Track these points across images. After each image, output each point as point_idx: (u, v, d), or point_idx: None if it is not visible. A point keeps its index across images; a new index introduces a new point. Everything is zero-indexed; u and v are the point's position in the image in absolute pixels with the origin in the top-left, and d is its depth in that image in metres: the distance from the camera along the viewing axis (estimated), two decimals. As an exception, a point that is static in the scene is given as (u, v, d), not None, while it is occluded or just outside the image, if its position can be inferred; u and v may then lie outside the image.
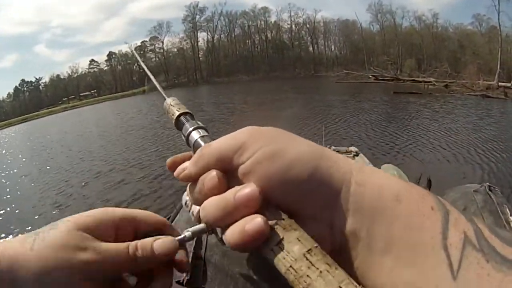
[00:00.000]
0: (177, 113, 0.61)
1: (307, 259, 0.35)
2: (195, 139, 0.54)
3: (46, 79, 79.17)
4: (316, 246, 0.36)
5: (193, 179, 0.46)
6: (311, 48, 72.52)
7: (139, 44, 78.06)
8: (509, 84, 23.20)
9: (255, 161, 0.41)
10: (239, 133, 0.44)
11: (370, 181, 0.39)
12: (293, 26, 73.78)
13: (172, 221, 0.86)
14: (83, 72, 79.08)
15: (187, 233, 0.48)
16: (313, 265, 0.35)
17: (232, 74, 69.03)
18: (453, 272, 0.33)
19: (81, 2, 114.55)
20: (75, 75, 78.38)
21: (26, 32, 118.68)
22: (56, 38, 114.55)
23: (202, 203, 0.44)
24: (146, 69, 0.89)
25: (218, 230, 0.49)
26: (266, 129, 0.45)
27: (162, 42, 75.86)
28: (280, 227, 0.38)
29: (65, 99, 73.43)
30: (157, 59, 75.74)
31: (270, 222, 0.39)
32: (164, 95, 0.68)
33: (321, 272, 0.34)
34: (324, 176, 0.39)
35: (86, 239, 0.43)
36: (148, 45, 77.05)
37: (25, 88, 76.99)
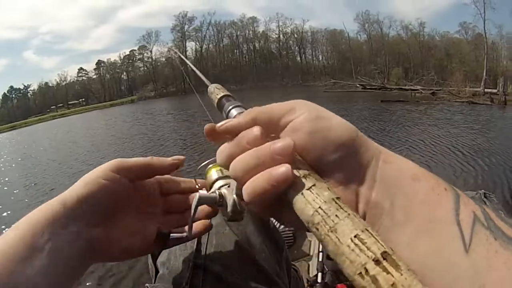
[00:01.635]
0: (220, 95, 0.67)
1: (336, 202, 0.37)
2: (234, 114, 0.58)
3: (34, 86, 79.01)
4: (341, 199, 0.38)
5: (234, 132, 0.47)
6: (298, 58, 73.20)
7: (127, 53, 78.11)
8: (495, 90, 23.41)
9: (302, 119, 0.43)
10: (287, 101, 0.47)
11: (394, 160, 0.42)
12: (281, 35, 74.39)
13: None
14: (71, 80, 78.93)
15: (200, 192, 0.59)
16: (341, 208, 0.36)
17: (220, 84, 68.50)
18: (465, 246, 0.34)
19: (72, 8, 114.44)
20: (64, 83, 78.11)
21: (15, 37, 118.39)
22: (45, 44, 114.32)
23: (231, 161, 0.45)
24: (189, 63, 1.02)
25: (229, 201, 0.54)
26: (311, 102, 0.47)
27: (151, 51, 75.87)
28: (312, 177, 0.40)
29: (53, 107, 73.05)
30: (145, 68, 75.68)
31: (303, 172, 0.40)
32: (207, 82, 0.80)
33: (349, 214, 0.35)
34: (360, 146, 0.42)
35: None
36: (136, 54, 77.04)
37: (14, 95, 76.60)
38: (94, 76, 78.96)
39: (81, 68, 79.74)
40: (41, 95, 76.86)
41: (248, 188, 0.42)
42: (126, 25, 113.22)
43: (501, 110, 18.08)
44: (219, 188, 0.60)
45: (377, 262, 0.30)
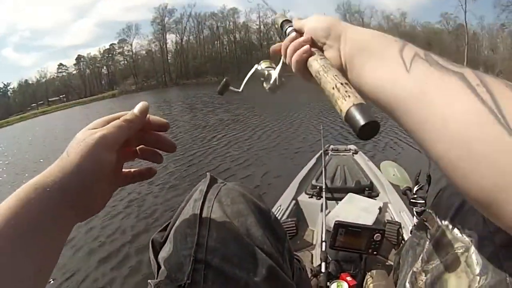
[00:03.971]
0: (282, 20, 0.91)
1: (329, 64, 0.63)
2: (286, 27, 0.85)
3: (14, 84, 77.98)
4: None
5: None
6: (279, 48, 73.14)
7: (107, 47, 77.40)
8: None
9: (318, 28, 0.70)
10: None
11: (350, 35, 0.65)
12: (262, 26, 74.42)
13: (173, 225, 0.84)
14: (51, 77, 78.07)
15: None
16: (331, 66, 0.62)
17: (200, 76, 69.21)
18: (406, 68, 0.51)
19: (50, 2, 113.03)
20: (44, 80, 77.22)
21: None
22: (24, 41, 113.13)
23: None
24: None
25: (273, 76, 0.87)
26: None
27: (131, 45, 75.32)
28: (318, 53, 0.68)
29: (34, 104, 72.01)
30: (125, 61, 75.14)
31: (316, 51, 0.69)
32: (275, 11, 1.02)
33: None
34: (336, 29, 0.66)
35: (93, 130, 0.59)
36: (116, 48, 76.43)
37: (-6, 94, 75.42)
38: (74, 72, 78.28)
39: (61, 64, 79.02)
40: (21, 93, 75.95)
41: (291, 62, 0.72)
42: (105, 19, 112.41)
43: (482, 98, 18.40)
44: (267, 69, 0.90)
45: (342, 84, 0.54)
